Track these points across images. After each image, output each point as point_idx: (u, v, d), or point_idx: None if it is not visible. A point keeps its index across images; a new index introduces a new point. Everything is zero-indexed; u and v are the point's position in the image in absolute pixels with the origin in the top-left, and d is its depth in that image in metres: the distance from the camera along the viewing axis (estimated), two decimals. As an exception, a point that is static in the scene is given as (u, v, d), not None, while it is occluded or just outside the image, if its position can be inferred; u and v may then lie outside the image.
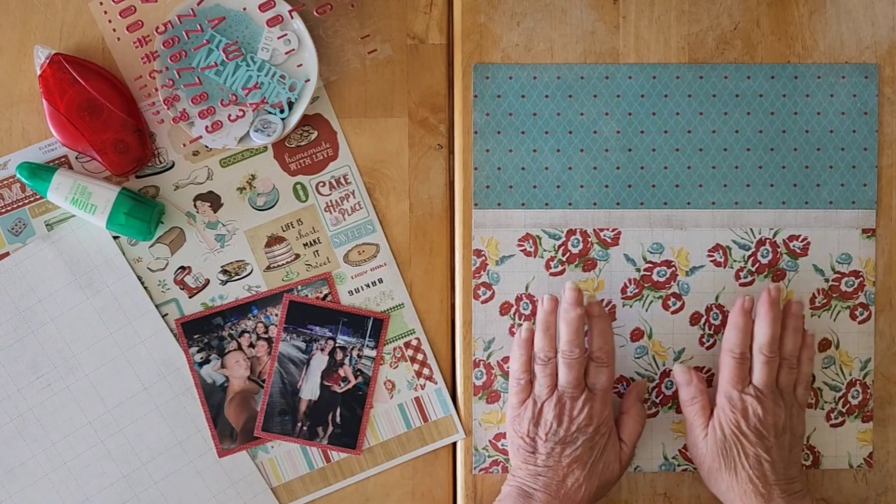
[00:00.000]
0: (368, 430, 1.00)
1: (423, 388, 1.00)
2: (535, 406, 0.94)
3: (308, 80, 0.97)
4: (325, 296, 1.00)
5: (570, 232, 1.00)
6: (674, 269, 1.00)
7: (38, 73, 0.95)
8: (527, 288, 0.99)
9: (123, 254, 0.98)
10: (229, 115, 0.96)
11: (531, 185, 0.99)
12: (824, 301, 1.00)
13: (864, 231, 1.00)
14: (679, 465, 1.00)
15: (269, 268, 1.00)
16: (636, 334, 1.00)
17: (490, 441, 1.00)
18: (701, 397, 0.95)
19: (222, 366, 0.99)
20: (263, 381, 0.99)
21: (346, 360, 0.99)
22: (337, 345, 0.99)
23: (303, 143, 1.00)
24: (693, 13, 1.00)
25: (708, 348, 1.00)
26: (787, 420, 0.93)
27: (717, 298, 1.00)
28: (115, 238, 0.98)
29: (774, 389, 0.93)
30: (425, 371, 1.00)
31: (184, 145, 0.98)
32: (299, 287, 0.99)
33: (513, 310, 0.99)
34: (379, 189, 1.00)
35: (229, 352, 0.99)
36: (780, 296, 0.95)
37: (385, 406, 1.00)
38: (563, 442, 0.92)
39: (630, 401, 0.97)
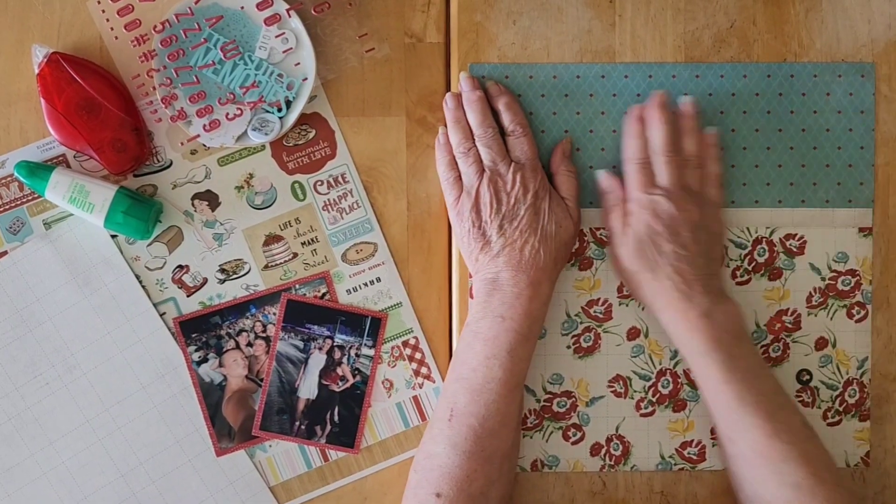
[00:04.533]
0: (366, 429, 1.00)
1: (421, 387, 1.00)
2: (470, 195, 0.95)
3: (306, 79, 0.97)
4: (323, 294, 1.00)
5: (568, 230, 1.00)
6: (671, 267, 1.00)
7: (36, 71, 0.95)
8: (524, 287, 0.99)
9: (121, 252, 0.98)
10: (227, 114, 0.97)
11: (528, 184, 1.00)
12: (821, 300, 1.00)
13: (860, 230, 1.00)
14: (675, 464, 1.00)
15: (266, 266, 1.00)
16: (632, 333, 1.00)
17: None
18: (623, 205, 0.96)
19: (220, 364, 0.99)
20: (261, 379, 0.99)
21: (344, 359, 0.99)
22: (335, 344, 0.99)
23: (301, 142, 1.00)
24: (689, 11, 1.00)
25: (705, 347, 1.00)
26: (701, 217, 0.94)
27: (714, 297, 1.00)
28: (112, 237, 0.98)
29: (683, 188, 0.95)
30: (423, 370, 1.00)
31: (182, 144, 0.99)
32: (297, 286, 0.99)
33: (510, 308, 0.99)
34: (377, 188, 1.00)
35: (227, 350, 0.99)
36: (667, 99, 0.97)
37: (383, 405, 1.00)
38: (507, 217, 0.93)
39: (557, 160, 0.98)
